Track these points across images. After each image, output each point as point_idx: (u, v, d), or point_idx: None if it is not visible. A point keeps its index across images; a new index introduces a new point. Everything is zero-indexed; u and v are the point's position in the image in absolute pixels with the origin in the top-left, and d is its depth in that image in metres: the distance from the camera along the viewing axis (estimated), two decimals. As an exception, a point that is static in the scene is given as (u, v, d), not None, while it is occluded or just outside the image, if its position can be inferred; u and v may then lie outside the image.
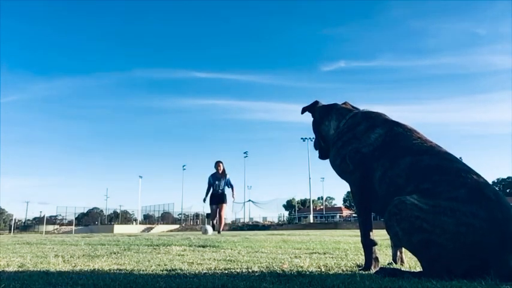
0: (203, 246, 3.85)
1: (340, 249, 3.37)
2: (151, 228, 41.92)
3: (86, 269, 2.14)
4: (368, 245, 1.96)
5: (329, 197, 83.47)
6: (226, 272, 1.98)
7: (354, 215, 50.66)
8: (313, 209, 56.47)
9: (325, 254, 2.98)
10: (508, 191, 63.68)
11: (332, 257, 2.71)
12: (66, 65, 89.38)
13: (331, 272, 1.93)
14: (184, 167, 58.34)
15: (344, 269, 2.05)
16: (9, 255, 3.12)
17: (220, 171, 9.29)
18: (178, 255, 2.99)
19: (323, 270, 2.04)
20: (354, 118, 2.15)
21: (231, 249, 3.53)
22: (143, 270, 2.06)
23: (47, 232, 38.29)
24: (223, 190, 9.25)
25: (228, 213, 52.88)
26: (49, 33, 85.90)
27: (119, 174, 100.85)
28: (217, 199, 9.18)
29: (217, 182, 9.21)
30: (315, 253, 3.02)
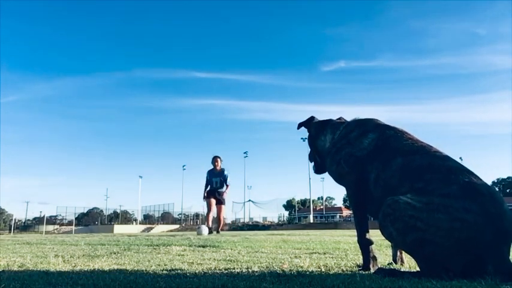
0: (203, 246, 3.85)
1: (340, 249, 3.37)
2: (151, 228, 41.90)
3: (86, 269, 2.14)
4: (365, 244, 1.98)
5: (329, 197, 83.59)
6: (226, 272, 1.98)
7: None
8: (313, 209, 56.44)
9: (325, 254, 2.98)
10: (508, 191, 63.74)
11: (332, 257, 2.71)
12: (66, 65, 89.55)
13: (331, 272, 1.93)
14: (184, 167, 58.34)
15: (344, 269, 2.05)
16: (9, 255, 3.12)
17: (217, 167, 8.88)
18: (178, 255, 2.99)
19: (323, 270, 2.04)
20: (347, 127, 2.21)
21: (231, 249, 3.53)
22: (143, 270, 2.06)
23: (47, 232, 38.29)
24: (221, 187, 8.87)
25: (228, 213, 52.98)
26: (49, 33, 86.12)
27: (119, 174, 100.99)
28: (215, 196, 8.79)
29: (214, 179, 8.82)
30: (315, 253, 3.02)
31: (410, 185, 1.67)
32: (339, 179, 2.15)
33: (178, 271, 2.00)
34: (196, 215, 56.01)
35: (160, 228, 41.66)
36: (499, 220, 1.48)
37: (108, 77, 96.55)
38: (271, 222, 51.27)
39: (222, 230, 9.14)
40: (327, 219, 56.97)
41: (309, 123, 2.51)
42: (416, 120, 75.33)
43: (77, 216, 55.23)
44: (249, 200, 55.72)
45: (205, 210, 9.10)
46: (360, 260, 2.44)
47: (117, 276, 1.76)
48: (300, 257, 2.74)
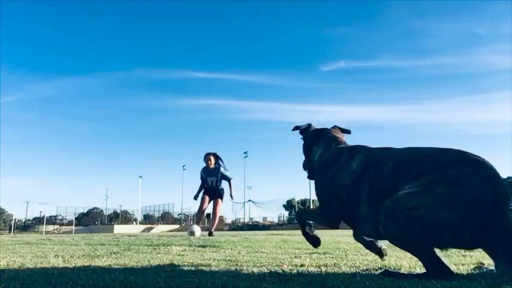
0: (203, 246, 3.85)
1: (340, 249, 3.37)
2: (151, 228, 41.93)
3: (86, 269, 2.14)
4: (301, 221, 2.29)
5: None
6: (226, 272, 1.98)
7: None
8: (313, 209, 56.40)
9: (325, 254, 2.98)
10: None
11: (332, 257, 2.71)
12: (66, 65, 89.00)
13: (331, 272, 1.93)
14: (184, 167, 58.22)
15: (344, 269, 2.05)
16: (9, 255, 3.13)
17: (211, 166, 8.11)
18: (178, 255, 2.99)
19: (323, 270, 2.04)
20: (337, 151, 2.19)
21: (231, 249, 3.53)
22: (143, 270, 2.06)
23: (47, 232, 38.31)
24: (219, 185, 8.15)
25: (228, 213, 53.02)
26: (49, 33, 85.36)
27: (119, 174, 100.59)
28: (211, 193, 8.12)
29: (209, 178, 8.11)
30: (315, 253, 3.02)
31: (407, 176, 1.65)
32: (319, 197, 2.19)
33: (178, 271, 2.00)
34: (196, 215, 55.92)
35: (160, 228, 41.68)
36: (497, 182, 1.52)
37: (108, 77, 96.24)
38: (271, 222, 51.25)
39: (221, 229, 8.75)
40: (327, 219, 56.77)
41: (306, 132, 2.50)
42: (416, 120, 75.45)
43: (77, 216, 55.27)
44: (249, 200, 55.64)
45: (205, 211, 8.60)
46: (360, 260, 2.46)
47: (117, 276, 1.76)
48: (300, 257, 2.74)
